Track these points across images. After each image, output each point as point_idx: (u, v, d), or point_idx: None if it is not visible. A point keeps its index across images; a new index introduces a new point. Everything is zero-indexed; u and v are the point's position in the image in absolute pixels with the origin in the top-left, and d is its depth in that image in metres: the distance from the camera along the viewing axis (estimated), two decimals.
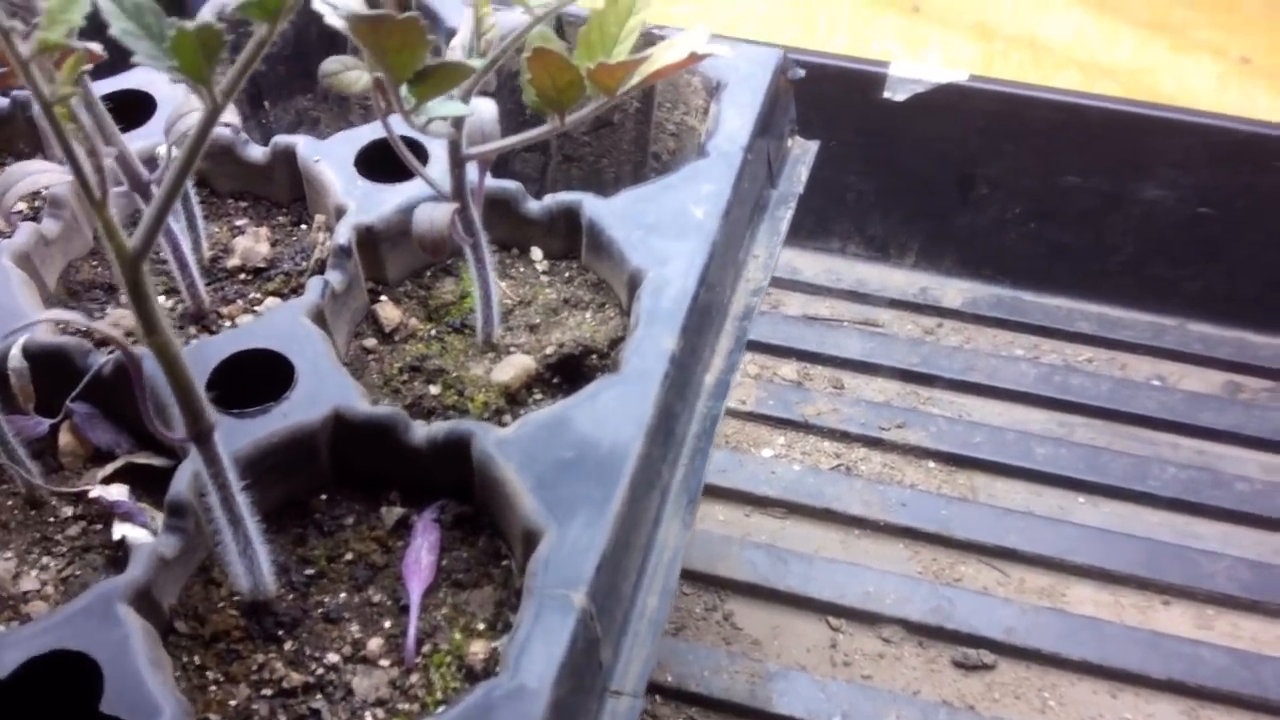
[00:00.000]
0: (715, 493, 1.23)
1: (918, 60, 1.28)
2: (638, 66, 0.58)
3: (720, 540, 1.19)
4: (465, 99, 0.61)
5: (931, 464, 1.27)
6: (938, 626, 1.12)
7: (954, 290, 1.40)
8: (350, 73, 0.59)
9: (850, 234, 1.39)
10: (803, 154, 0.93)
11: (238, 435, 0.66)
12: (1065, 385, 1.31)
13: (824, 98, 1.29)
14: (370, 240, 0.77)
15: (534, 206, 0.80)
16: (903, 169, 1.33)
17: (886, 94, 1.26)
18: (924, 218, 1.35)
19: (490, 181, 0.80)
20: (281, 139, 0.82)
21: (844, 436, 1.28)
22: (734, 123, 0.85)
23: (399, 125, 0.60)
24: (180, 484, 0.64)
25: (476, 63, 0.54)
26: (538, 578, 0.61)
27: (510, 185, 0.80)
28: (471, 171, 0.68)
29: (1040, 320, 1.37)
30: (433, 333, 0.78)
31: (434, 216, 0.63)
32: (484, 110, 0.66)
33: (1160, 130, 1.23)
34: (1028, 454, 1.25)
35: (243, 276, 0.79)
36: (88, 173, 0.45)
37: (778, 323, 1.38)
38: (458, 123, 0.63)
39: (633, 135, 0.97)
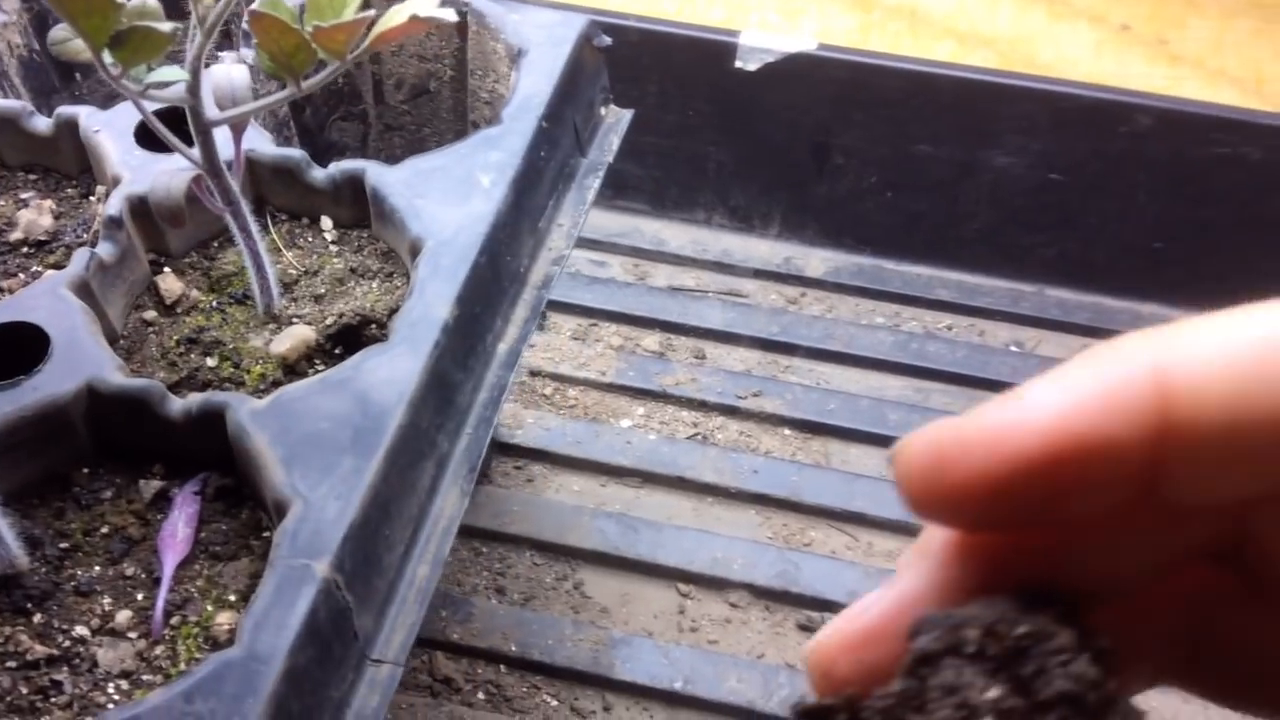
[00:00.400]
0: (570, 464, 1.24)
1: (770, 28, 1.28)
2: (358, 28, 0.58)
3: (572, 510, 1.19)
4: (194, 65, 0.60)
5: (787, 431, 1.27)
6: (784, 590, 1.13)
7: (817, 260, 1.41)
8: (75, 40, 0.58)
9: (714, 205, 1.40)
10: (616, 123, 0.93)
11: None
12: (922, 352, 1.32)
13: (679, 67, 1.29)
14: (144, 210, 0.76)
15: (319, 175, 0.80)
16: (760, 139, 1.33)
17: (738, 63, 1.26)
18: (783, 188, 1.36)
19: (272, 149, 0.80)
20: (64, 110, 0.81)
21: (702, 406, 1.29)
22: (530, 90, 0.85)
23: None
24: None
25: (166, 27, 0.53)
26: (281, 548, 0.61)
27: (294, 153, 0.80)
28: (227, 141, 0.68)
29: (901, 288, 1.37)
30: (214, 304, 0.78)
31: (170, 185, 0.62)
32: (235, 75, 0.66)
33: (1005, 97, 1.24)
34: (881, 420, 1.26)
35: (25, 250, 0.79)
36: None
37: (643, 294, 1.38)
38: (194, 91, 0.63)
39: (450, 104, 0.96)
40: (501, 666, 1.09)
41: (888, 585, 0.28)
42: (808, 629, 1.12)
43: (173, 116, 0.68)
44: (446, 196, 0.78)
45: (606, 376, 1.31)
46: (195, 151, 0.67)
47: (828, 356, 1.32)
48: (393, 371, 0.69)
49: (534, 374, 1.31)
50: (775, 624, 1.13)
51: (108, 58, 0.55)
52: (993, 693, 0.23)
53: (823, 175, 1.33)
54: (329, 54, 0.60)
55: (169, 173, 0.64)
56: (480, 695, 1.07)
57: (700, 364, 1.33)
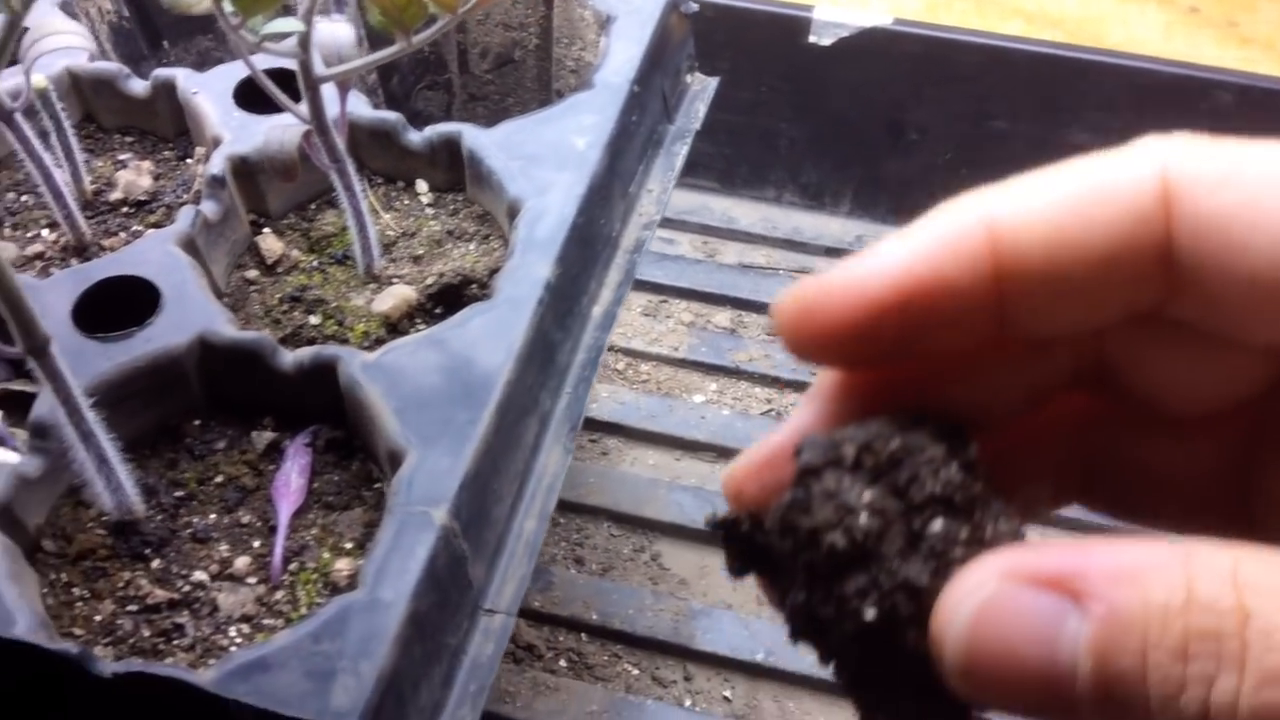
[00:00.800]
0: (646, 438, 1.24)
1: (843, 4, 1.28)
2: None
3: (649, 483, 1.19)
4: (307, 18, 0.61)
5: None
6: None
7: (889, 237, 1.40)
8: None
9: (785, 182, 1.39)
10: (702, 90, 0.93)
11: (101, 359, 0.66)
12: None
13: (752, 42, 1.29)
14: (246, 170, 0.77)
15: (415, 138, 0.80)
16: (833, 115, 1.32)
17: (812, 38, 1.26)
18: (856, 165, 1.35)
19: (371, 112, 0.80)
20: (161, 72, 0.82)
21: (775, 382, 1.28)
22: (621, 56, 0.85)
23: (279, 57, 0.60)
24: (43, 406, 0.64)
25: None
26: (399, 496, 0.62)
27: (391, 116, 0.80)
28: (334, 99, 0.69)
29: None
30: (315, 264, 0.78)
31: (284, 139, 0.63)
32: (340, 33, 0.67)
33: (1084, 73, 1.23)
34: None
35: (125, 210, 0.80)
36: None
37: (713, 271, 1.38)
38: (305, 45, 0.63)
39: (535, 73, 0.97)
40: (583, 635, 1.09)
41: (785, 421, 0.31)
42: None
43: (254, 83, 0.69)
44: (543, 159, 0.78)
45: (678, 352, 1.31)
46: (303, 108, 0.68)
47: None
48: (499, 328, 0.69)
49: (607, 349, 1.31)
50: None
51: (228, 7, 0.56)
52: (868, 495, 0.26)
53: (896, 152, 1.32)
54: (440, 7, 0.60)
55: (281, 128, 0.64)
56: (562, 663, 1.07)
57: (772, 341, 1.32)
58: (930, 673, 0.25)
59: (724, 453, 1.22)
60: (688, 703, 1.06)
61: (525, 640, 1.07)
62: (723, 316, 1.35)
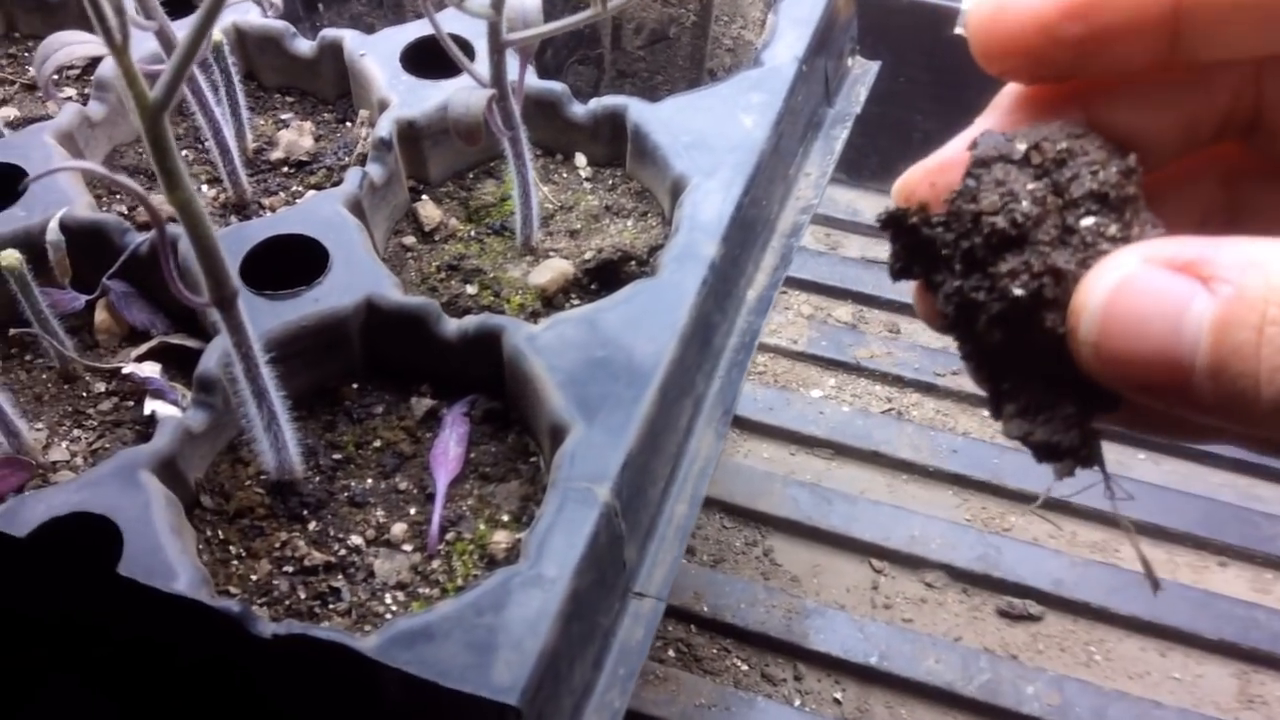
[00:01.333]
0: (761, 430, 1.22)
1: None
2: None
3: (763, 477, 1.17)
4: None
5: (985, 412, 1.23)
6: (984, 574, 1.10)
7: None
8: None
9: None
10: (863, 74, 0.90)
11: (268, 317, 0.66)
12: None
13: (894, 31, 1.26)
14: (412, 135, 0.76)
15: (579, 110, 0.79)
16: (973, 110, 1.28)
17: (959, 30, 1.23)
18: None
19: (536, 82, 0.79)
20: (329, 32, 0.82)
21: (897, 381, 1.26)
22: (790, 35, 0.83)
23: (447, 21, 0.59)
24: (209, 360, 0.64)
25: None
26: (562, 470, 0.61)
27: (556, 86, 0.79)
28: (513, 65, 0.67)
29: None
30: (472, 233, 0.77)
31: (470, 101, 0.62)
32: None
33: None
34: None
35: (285, 169, 0.79)
36: (108, 15, 0.45)
37: (835, 264, 1.35)
38: (498, 6, 0.62)
39: (688, 50, 0.95)
40: (692, 626, 1.08)
41: (961, 133, 0.33)
42: (1008, 615, 1.08)
43: (434, 46, 0.68)
44: (710, 136, 0.77)
45: (797, 345, 1.28)
46: (483, 71, 0.66)
47: None
48: (664, 305, 0.68)
49: None
50: (973, 607, 1.09)
51: None
52: (1031, 185, 0.29)
53: None
54: None
55: (467, 90, 0.63)
56: (671, 653, 1.06)
57: (894, 338, 1.30)
58: (1063, 362, 0.28)
59: (841, 450, 1.20)
60: (797, 702, 1.04)
61: None
62: (844, 310, 1.32)
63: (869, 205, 1.40)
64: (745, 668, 1.06)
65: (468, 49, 0.79)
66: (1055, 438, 0.30)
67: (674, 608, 1.07)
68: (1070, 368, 0.28)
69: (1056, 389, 0.30)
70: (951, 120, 1.19)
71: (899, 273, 0.34)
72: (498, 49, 0.64)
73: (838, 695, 1.04)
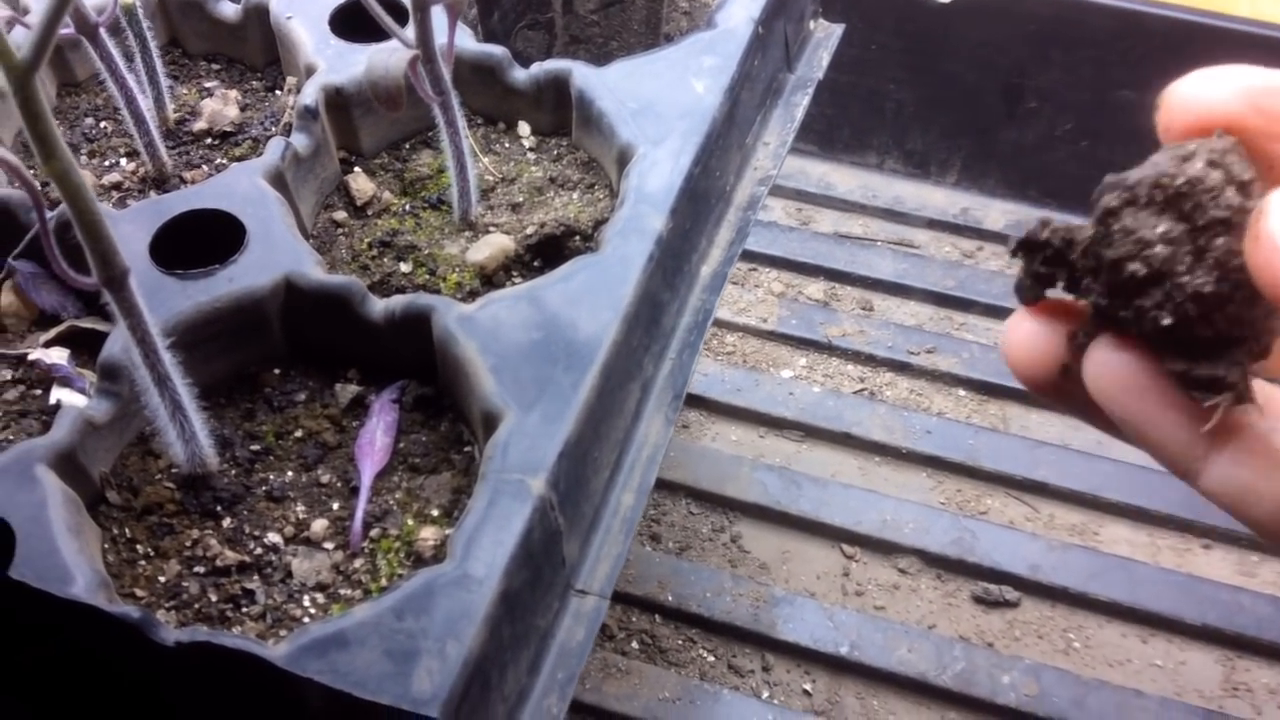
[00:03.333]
0: (729, 412, 1.18)
1: None
2: None
3: (731, 460, 1.13)
4: None
5: (962, 392, 1.20)
6: (958, 559, 1.06)
7: (997, 211, 1.32)
8: None
9: (889, 148, 1.32)
10: (826, 38, 0.86)
11: (179, 298, 0.61)
12: None
13: None
14: (340, 103, 0.71)
15: (521, 75, 0.74)
16: (947, 78, 1.24)
17: None
18: (967, 132, 1.27)
19: (473, 45, 0.74)
20: None
21: (870, 360, 1.22)
22: None
23: None
24: (114, 345, 0.59)
25: None
26: (494, 461, 0.56)
27: (495, 50, 0.74)
28: (442, 25, 0.63)
29: None
30: (407, 207, 0.73)
31: (390, 63, 0.57)
32: None
33: (1223, 41, 1.14)
34: None
35: (209, 141, 0.74)
36: None
37: (807, 239, 1.31)
38: None
39: (644, 15, 0.90)
40: (657, 616, 1.04)
41: None
42: (984, 601, 1.04)
43: (351, 9, 0.63)
44: (659, 103, 0.72)
45: (767, 324, 1.24)
46: (409, 33, 0.62)
47: (1007, 314, 1.24)
48: (607, 283, 0.63)
49: None
50: (948, 594, 1.05)
51: None
52: (1161, 227, 0.31)
53: (1012, 120, 1.24)
54: None
55: (387, 51, 0.58)
56: (635, 645, 1.02)
57: (868, 315, 1.25)
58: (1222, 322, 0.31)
59: (811, 432, 1.16)
60: (765, 694, 1.00)
61: None
62: (815, 288, 1.28)
63: (841, 178, 1.35)
64: (711, 659, 1.02)
65: (399, 12, 0.75)
66: (1219, 372, 0.31)
67: (638, 598, 1.04)
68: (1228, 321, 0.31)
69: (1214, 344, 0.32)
70: (925, 90, 1.16)
71: (1029, 298, 0.35)
72: (421, 6, 0.59)
73: (807, 686, 1.01)
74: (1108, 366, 0.33)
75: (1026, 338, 0.35)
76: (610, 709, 0.96)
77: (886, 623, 1.02)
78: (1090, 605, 1.04)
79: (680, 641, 1.03)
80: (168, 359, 0.54)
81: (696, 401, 1.18)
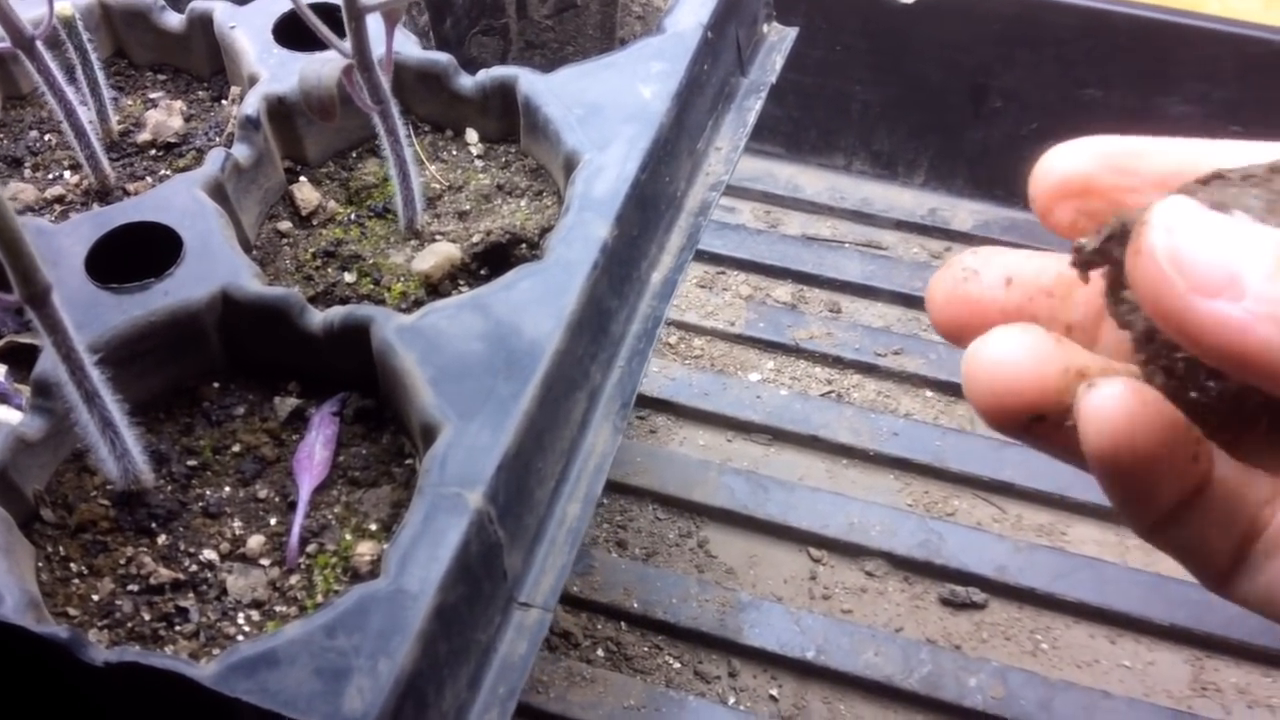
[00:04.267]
0: (696, 416, 1.17)
1: None
2: None
3: (698, 465, 1.12)
4: None
5: (929, 393, 1.19)
6: (925, 561, 1.05)
7: (965, 212, 1.31)
8: None
9: (856, 149, 1.31)
10: (780, 41, 0.85)
11: (114, 313, 0.61)
12: None
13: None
14: (283, 112, 0.70)
15: (467, 82, 0.73)
16: (912, 79, 1.24)
17: None
18: (934, 132, 1.27)
19: (418, 53, 0.74)
20: (198, 4, 0.76)
21: (837, 362, 1.21)
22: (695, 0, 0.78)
23: None
24: (46, 362, 0.58)
25: None
26: (431, 474, 0.56)
27: (441, 57, 0.74)
28: (380, 34, 0.62)
29: (1056, 245, 1.28)
30: (353, 217, 0.72)
31: (322, 72, 0.56)
32: None
33: (1189, 40, 1.13)
34: None
35: (153, 152, 0.74)
36: None
37: (775, 242, 1.31)
38: None
39: (598, 19, 0.90)
40: (622, 623, 1.03)
41: None
42: (951, 603, 1.04)
43: (296, 18, 0.62)
44: (605, 109, 0.71)
45: (735, 327, 1.24)
46: (345, 43, 0.61)
47: None
48: (549, 292, 0.63)
49: None
50: (915, 596, 1.05)
51: None
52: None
53: (978, 120, 1.24)
54: None
55: (320, 60, 0.58)
56: (600, 652, 1.01)
57: (835, 318, 1.25)
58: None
59: (779, 435, 1.15)
60: (732, 700, 0.99)
61: (561, 627, 1.01)
62: (783, 290, 1.27)
63: (809, 180, 1.35)
64: (678, 666, 1.01)
65: (339, 21, 0.74)
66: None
67: (603, 605, 1.03)
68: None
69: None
70: (891, 90, 1.15)
71: (1086, 259, 0.32)
72: (355, 14, 0.59)
73: (773, 692, 1.00)
74: (1130, 423, 0.28)
75: (1011, 359, 0.30)
76: (575, 718, 0.96)
77: (853, 626, 1.02)
78: (1058, 606, 1.03)
79: (646, 648, 1.02)
80: (95, 375, 0.53)
81: (663, 406, 1.18)
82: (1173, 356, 0.29)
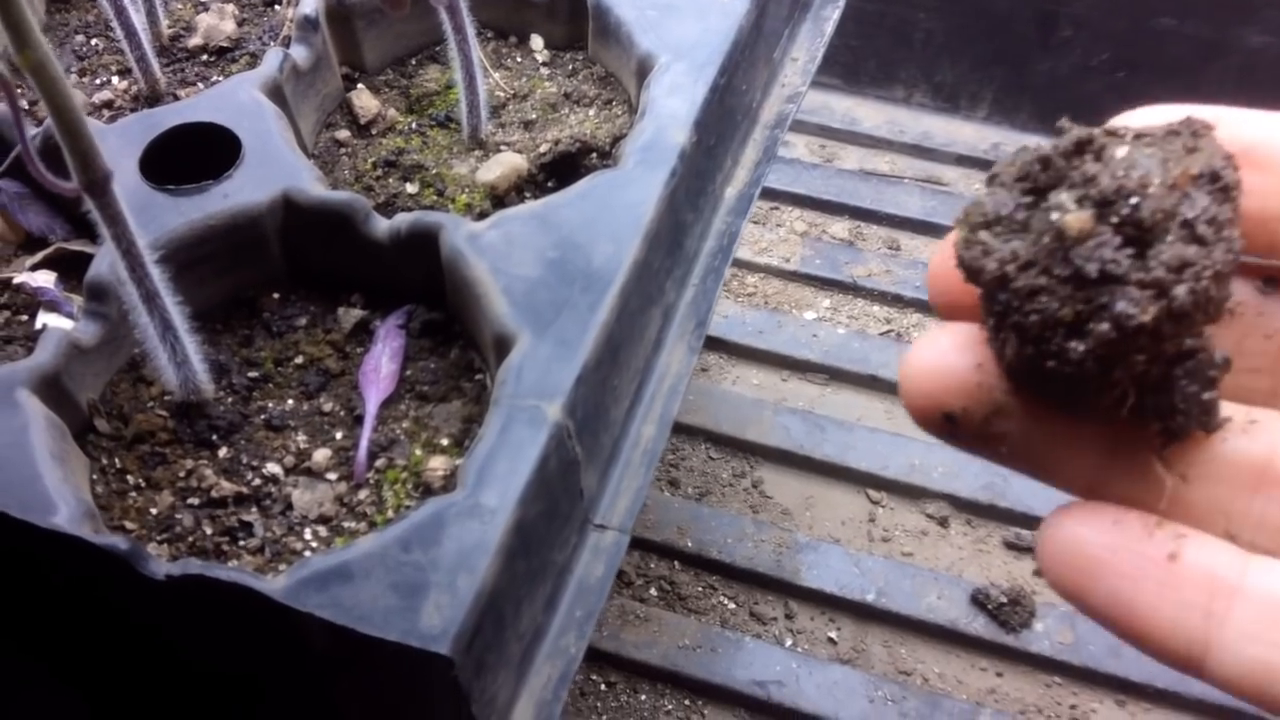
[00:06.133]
0: (750, 354, 1.14)
1: None
2: None
3: (753, 404, 1.09)
4: None
5: None
6: (989, 504, 1.02)
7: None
8: None
9: (916, 81, 1.27)
10: None
11: (171, 215, 0.58)
12: None
13: None
14: (342, 14, 0.67)
15: None
16: (978, 6, 1.19)
17: None
18: (999, 63, 1.22)
19: None
20: None
21: (896, 300, 1.17)
22: None
23: None
24: (102, 264, 0.55)
25: None
26: (507, 386, 0.52)
27: None
28: None
29: None
30: (414, 126, 0.69)
31: None
32: None
33: None
34: None
35: (205, 58, 0.70)
36: None
37: (831, 176, 1.26)
38: None
39: None
40: (676, 563, 1.00)
41: None
42: (1016, 547, 1.01)
43: None
44: (681, 10, 0.68)
45: (790, 264, 1.20)
46: None
47: None
48: (627, 199, 0.59)
49: None
50: (978, 540, 1.02)
51: None
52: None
53: (1047, 50, 1.19)
54: None
55: None
56: (653, 591, 0.99)
57: (894, 255, 1.21)
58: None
59: (836, 375, 1.12)
60: (789, 642, 0.97)
61: None
62: (840, 227, 1.23)
63: (867, 113, 1.30)
64: (733, 606, 0.99)
65: None
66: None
67: (656, 544, 1.00)
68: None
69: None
70: (956, 18, 1.10)
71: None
72: None
73: (832, 634, 0.97)
74: (1075, 544, 0.27)
75: (924, 361, 0.29)
76: (629, 656, 0.93)
77: (914, 569, 0.99)
78: None
79: (700, 588, 0.99)
80: (156, 274, 0.50)
81: (717, 344, 1.15)
82: (1025, 312, 0.25)
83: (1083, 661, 0.92)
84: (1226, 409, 0.27)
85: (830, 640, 0.97)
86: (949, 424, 0.29)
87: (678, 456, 1.07)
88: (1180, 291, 0.24)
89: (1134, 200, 0.25)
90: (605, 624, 0.96)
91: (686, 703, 0.93)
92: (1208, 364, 0.26)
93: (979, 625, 0.95)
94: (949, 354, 0.28)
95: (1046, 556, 0.28)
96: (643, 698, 0.93)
